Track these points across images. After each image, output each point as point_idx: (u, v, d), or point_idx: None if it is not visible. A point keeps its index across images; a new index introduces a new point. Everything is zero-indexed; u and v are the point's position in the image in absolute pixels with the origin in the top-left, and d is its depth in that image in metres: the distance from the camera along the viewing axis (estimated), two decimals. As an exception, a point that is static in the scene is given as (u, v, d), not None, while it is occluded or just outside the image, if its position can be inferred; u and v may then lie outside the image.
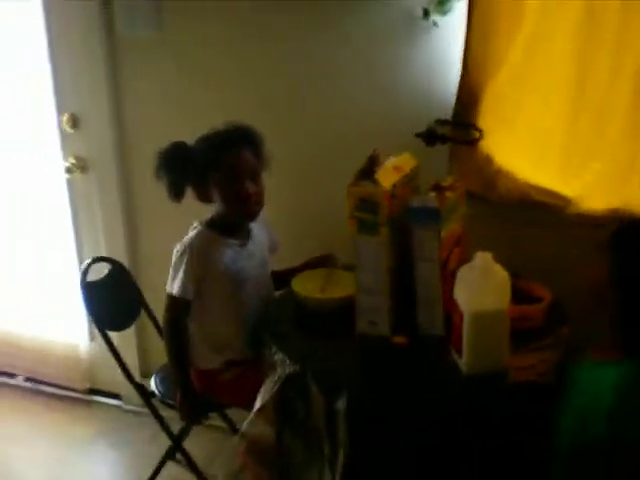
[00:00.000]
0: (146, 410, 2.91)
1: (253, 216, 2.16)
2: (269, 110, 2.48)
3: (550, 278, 2.03)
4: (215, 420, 2.69)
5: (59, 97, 2.77)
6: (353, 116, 2.40)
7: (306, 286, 2.11)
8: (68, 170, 2.80)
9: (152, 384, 2.36)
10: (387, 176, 1.87)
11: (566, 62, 2.07)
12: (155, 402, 2.37)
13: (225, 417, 2.68)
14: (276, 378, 1.85)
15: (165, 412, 2.36)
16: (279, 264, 2.34)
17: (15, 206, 3.07)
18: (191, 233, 2.13)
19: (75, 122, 2.76)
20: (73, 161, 2.80)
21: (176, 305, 2.11)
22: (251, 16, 2.44)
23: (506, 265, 1.75)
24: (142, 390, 2.34)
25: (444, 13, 2.14)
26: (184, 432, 2.39)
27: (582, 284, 2.06)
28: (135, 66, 2.65)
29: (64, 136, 2.81)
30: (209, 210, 2.18)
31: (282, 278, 2.27)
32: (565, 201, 2.20)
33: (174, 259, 2.11)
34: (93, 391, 3.17)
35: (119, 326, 2.48)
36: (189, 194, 2.13)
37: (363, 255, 1.87)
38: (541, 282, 2.03)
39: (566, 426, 1.62)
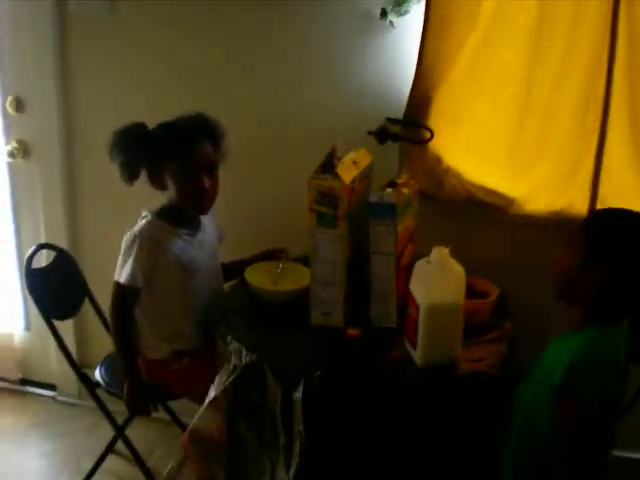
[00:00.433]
0: (81, 402, 2.93)
1: (205, 210, 2.17)
2: (222, 100, 2.47)
3: (495, 274, 2.10)
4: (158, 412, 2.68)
5: (3, 79, 2.69)
6: (307, 112, 2.43)
7: (259, 278, 2.12)
8: (10, 154, 2.72)
9: (97, 374, 2.32)
10: (347, 170, 1.90)
11: (515, 65, 2.16)
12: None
13: (168, 409, 2.66)
14: (231, 368, 1.86)
15: (107, 403, 2.32)
16: (230, 256, 2.35)
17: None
18: (141, 222, 2.12)
19: (19, 105, 2.68)
20: (16, 145, 2.72)
21: (124, 293, 2.10)
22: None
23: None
24: (86, 380, 2.30)
25: (401, 14, 2.20)
26: (128, 422, 2.37)
27: (526, 278, 2.18)
28: (85, 49, 2.60)
29: (7, 119, 2.73)
30: (154, 199, 2.16)
31: (233, 269, 2.28)
32: (509, 202, 2.29)
33: (123, 247, 2.08)
34: (26, 381, 3.09)
35: (63, 315, 2.42)
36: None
37: (321, 247, 1.90)
38: (486, 278, 2.11)
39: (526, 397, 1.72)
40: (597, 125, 2.13)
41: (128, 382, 2.14)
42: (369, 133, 2.28)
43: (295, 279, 2.12)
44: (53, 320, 2.29)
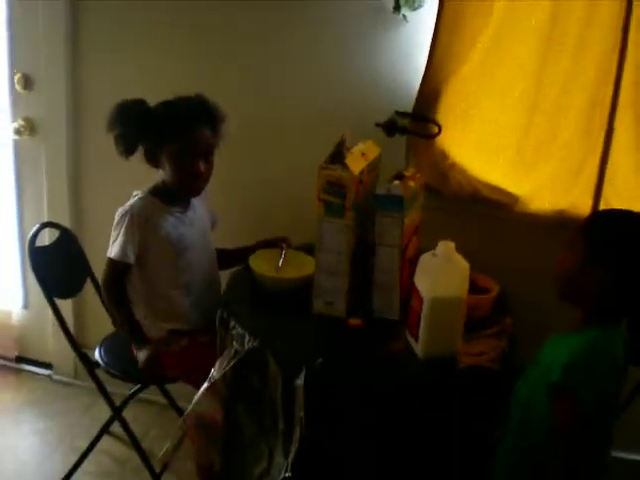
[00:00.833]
0: (77, 381, 2.94)
1: (198, 193, 2.20)
2: (231, 88, 2.48)
3: (496, 271, 2.12)
4: (151, 394, 2.69)
5: (13, 56, 2.69)
6: (317, 102, 2.44)
7: (262, 265, 2.13)
8: (17, 131, 2.71)
9: (96, 354, 2.33)
10: (355, 161, 1.91)
11: (526, 64, 2.17)
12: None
13: (165, 392, 2.67)
14: (232, 353, 1.87)
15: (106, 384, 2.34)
16: (231, 243, 2.37)
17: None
18: (133, 199, 2.15)
19: (28, 83, 2.68)
20: (22, 123, 2.72)
21: (115, 268, 2.13)
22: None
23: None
24: (86, 359, 2.30)
25: (414, 8, 2.21)
26: (125, 404, 2.38)
27: (526, 277, 2.20)
28: (96, 29, 2.60)
29: (15, 96, 2.73)
30: (155, 179, 2.19)
31: (235, 256, 2.30)
32: (513, 199, 2.31)
33: (114, 223, 2.12)
34: (22, 359, 3.09)
35: (66, 294, 2.43)
36: (137, 159, 2.12)
37: (326, 237, 1.91)
38: (487, 274, 2.12)
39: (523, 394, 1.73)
40: (603, 127, 2.15)
41: (137, 349, 2.16)
42: (377, 125, 2.29)
43: (298, 267, 2.13)
44: (57, 299, 2.29)
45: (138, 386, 2.31)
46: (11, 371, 3.07)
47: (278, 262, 2.18)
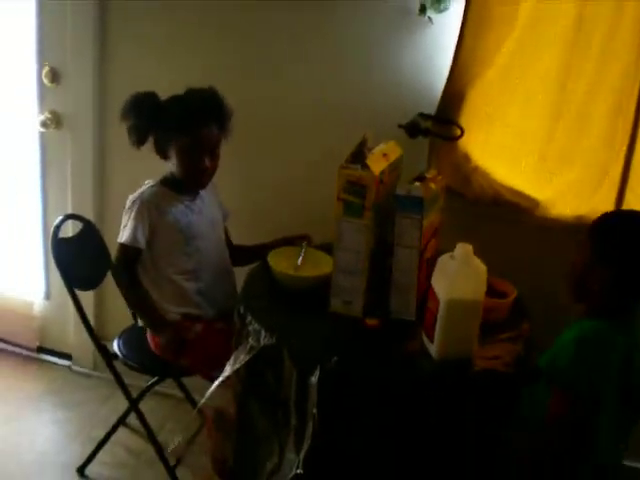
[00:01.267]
0: (96, 373, 2.97)
1: (204, 186, 2.27)
2: (254, 88, 2.50)
3: (515, 275, 2.11)
4: (168, 388, 2.71)
5: (41, 49, 2.72)
6: (341, 102, 2.45)
7: (281, 262, 2.14)
8: (43, 124, 2.75)
9: (115, 346, 2.35)
10: (376, 162, 1.91)
11: (551, 68, 2.17)
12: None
13: (181, 385, 2.70)
14: (248, 348, 1.88)
15: (124, 376, 2.37)
16: (248, 240, 2.38)
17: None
18: (143, 188, 2.23)
19: (55, 76, 2.71)
20: (49, 115, 2.75)
21: (126, 253, 2.20)
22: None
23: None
24: (105, 351, 2.33)
25: (440, 11, 2.21)
26: (142, 396, 2.41)
27: (545, 282, 2.19)
28: (124, 26, 2.63)
29: (42, 89, 2.76)
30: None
31: (254, 252, 2.33)
32: (534, 204, 2.30)
33: (125, 209, 2.20)
34: (43, 350, 3.14)
35: (87, 285, 2.46)
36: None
37: (345, 236, 1.91)
38: (506, 278, 2.12)
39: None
40: (627, 135, 2.13)
41: (156, 333, 2.20)
42: (400, 126, 2.29)
43: (317, 266, 2.14)
44: (75, 290, 2.32)
45: (155, 379, 2.33)
46: (32, 361, 3.11)
47: (297, 260, 2.19)
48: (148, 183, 2.25)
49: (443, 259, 1.80)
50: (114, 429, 2.51)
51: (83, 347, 2.88)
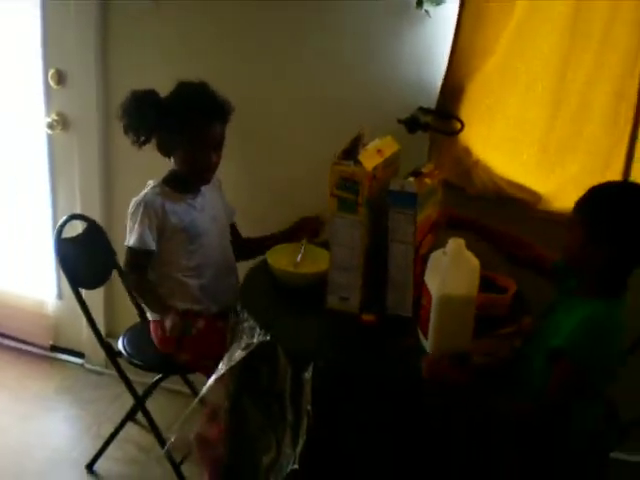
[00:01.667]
0: (108, 370, 2.99)
1: (208, 182, 2.28)
2: (255, 86, 2.51)
3: (516, 270, 2.08)
4: (176, 385, 2.74)
5: (46, 51, 2.75)
6: (339, 98, 2.44)
7: (280, 260, 2.15)
8: (50, 126, 2.78)
9: (119, 344, 2.38)
10: (370, 157, 1.91)
11: (550, 57, 2.15)
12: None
13: (188, 383, 2.72)
14: (244, 345, 1.89)
15: (129, 374, 2.40)
16: (251, 232, 2.39)
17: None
18: (146, 189, 2.23)
19: (61, 78, 2.74)
20: (55, 117, 2.79)
21: (136, 256, 2.20)
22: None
23: (475, 254, 1.83)
24: (109, 349, 2.36)
25: (437, 3, 2.20)
26: (148, 393, 2.43)
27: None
28: (127, 27, 2.65)
29: (49, 91, 2.79)
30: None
31: (265, 243, 2.32)
32: (537, 198, 2.27)
33: (129, 213, 2.20)
34: (56, 348, 3.18)
35: (91, 284, 2.50)
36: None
37: (340, 232, 1.92)
38: (507, 274, 2.10)
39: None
40: (629, 121, 2.11)
41: (164, 312, 2.18)
42: (399, 121, 2.28)
43: (316, 263, 2.14)
44: (81, 289, 2.35)
45: (159, 376, 2.35)
46: (46, 360, 3.15)
47: (297, 257, 2.19)
48: (150, 184, 2.25)
49: (435, 255, 1.79)
50: (121, 426, 2.54)
51: (95, 345, 2.83)
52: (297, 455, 1.76)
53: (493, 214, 2.29)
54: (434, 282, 1.76)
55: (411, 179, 1.91)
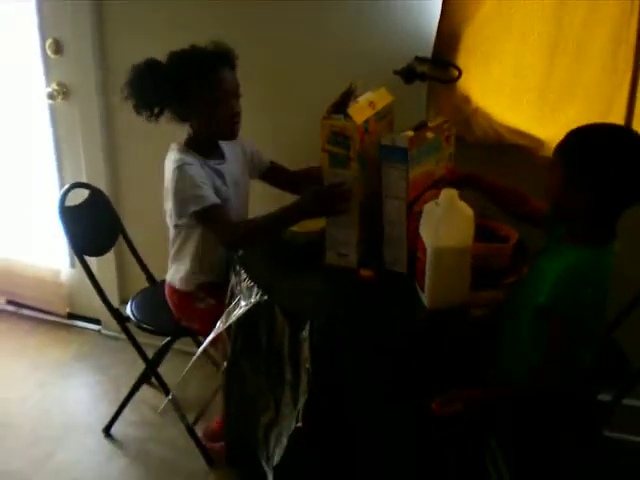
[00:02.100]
0: (124, 336, 3.00)
1: (236, 134, 2.16)
2: (251, 41, 2.46)
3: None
4: (190, 347, 2.76)
5: (42, 22, 2.73)
6: (333, 51, 2.40)
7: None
8: (50, 96, 2.78)
9: (127, 309, 2.41)
10: (361, 111, 1.88)
11: (545, 2, 2.07)
12: (132, 328, 2.42)
13: (199, 344, 2.73)
14: (241, 305, 1.89)
15: (141, 337, 2.43)
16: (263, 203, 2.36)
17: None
18: (174, 154, 2.11)
19: (58, 47, 2.73)
20: (56, 87, 2.78)
21: (211, 217, 2.03)
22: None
23: (477, 205, 1.81)
24: (118, 315, 2.39)
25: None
26: (158, 356, 2.46)
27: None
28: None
29: (47, 62, 2.78)
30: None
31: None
32: (539, 144, 2.22)
33: (174, 178, 2.05)
34: (73, 316, 3.23)
35: (97, 251, 2.52)
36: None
37: (334, 188, 1.90)
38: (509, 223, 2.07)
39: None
40: (629, 64, 2.03)
41: (302, 205, 2.03)
42: (395, 72, 2.24)
43: (317, 221, 2.11)
44: (87, 256, 2.38)
45: (168, 339, 2.38)
46: (63, 327, 3.21)
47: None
48: (174, 148, 2.14)
49: (429, 207, 1.77)
50: (135, 389, 2.57)
51: (111, 311, 2.95)
52: (300, 413, 1.78)
53: (494, 162, 2.26)
54: (428, 234, 1.74)
55: (408, 133, 1.86)
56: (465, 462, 1.77)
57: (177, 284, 2.26)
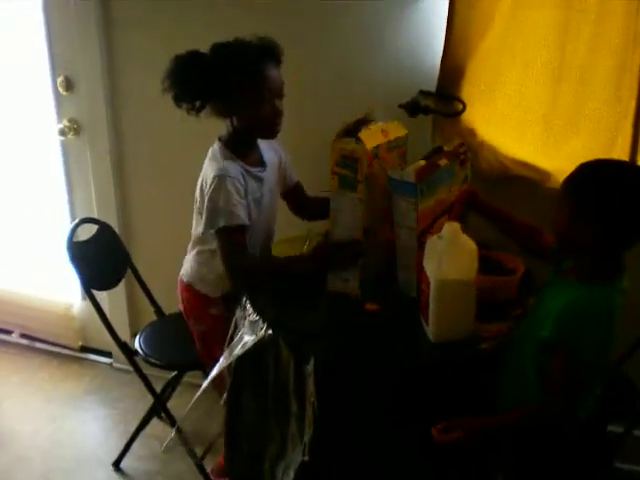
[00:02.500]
0: (135, 369, 3.03)
1: (277, 134, 2.10)
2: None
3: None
4: (201, 379, 2.75)
5: (53, 60, 2.78)
6: (339, 85, 2.42)
7: (287, 251, 2.14)
8: (62, 132, 2.82)
9: (136, 343, 2.42)
10: (372, 136, 1.91)
11: (547, 32, 2.09)
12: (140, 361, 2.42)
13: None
14: (244, 340, 1.89)
15: (150, 370, 2.43)
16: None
17: (10, 168, 3.11)
18: (217, 158, 2.05)
19: (69, 84, 2.77)
20: (67, 123, 2.82)
21: (231, 237, 1.99)
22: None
23: (483, 236, 1.82)
24: (126, 348, 2.39)
25: (431, -15, 2.15)
26: (166, 389, 2.46)
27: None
28: (130, 28, 2.64)
29: (58, 98, 2.83)
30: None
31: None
32: (545, 176, 2.23)
33: (211, 187, 1.98)
34: (86, 349, 3.25)
35: (104, 286, 2.54)
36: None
37: (341, 211, 1.93)
38: (517, 254, 2.06)
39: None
40: (634, 93, 2.03)
41: (319, 259, 2.02)
42: (400, 106, 2.26)
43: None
44: (95, 291, 2.39)
45: (174, 373, 2.39)
46: (76, 360, 3.23)
47: (303, 248, 2.19)
48: (216, 148, 2.06)
49: (432, 240, 1.77)
50: (145, 423, 2.58)
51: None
52: (306, 447, 1.77)
53: (501, 195, 2.25)
54: (431, 267, 1.74)
55: (419, 163, 1.88)
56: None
57: (198, 285, 2.19)
